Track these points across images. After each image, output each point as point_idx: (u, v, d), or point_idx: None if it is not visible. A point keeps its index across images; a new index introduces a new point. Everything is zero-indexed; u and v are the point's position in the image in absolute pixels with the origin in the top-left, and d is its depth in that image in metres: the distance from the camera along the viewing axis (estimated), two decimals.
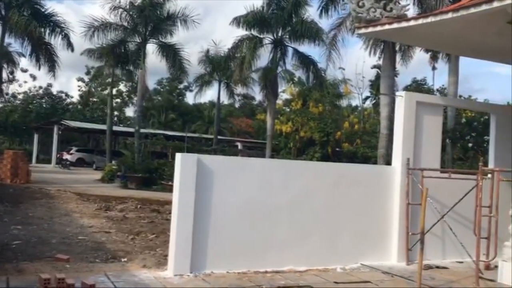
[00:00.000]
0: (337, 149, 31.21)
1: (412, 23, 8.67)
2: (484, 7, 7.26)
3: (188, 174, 7.36)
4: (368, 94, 43.11)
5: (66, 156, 42.56)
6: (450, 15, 7.90)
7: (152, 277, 7.05)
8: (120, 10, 29.78)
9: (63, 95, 59.15)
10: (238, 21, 27.99)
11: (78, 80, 59.43)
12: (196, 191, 7.36)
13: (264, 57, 29.51)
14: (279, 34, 28.64)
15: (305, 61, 28.96)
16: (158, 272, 7.36)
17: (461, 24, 8.34)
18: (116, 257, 8.50)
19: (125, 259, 8.33)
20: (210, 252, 7.49)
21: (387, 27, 8.97)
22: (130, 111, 60.89)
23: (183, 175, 7.36)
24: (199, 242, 7.41)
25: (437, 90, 31.59)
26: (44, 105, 55.56)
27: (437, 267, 8.75)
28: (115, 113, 55.37)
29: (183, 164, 7.40)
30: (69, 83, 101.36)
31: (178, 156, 7.51)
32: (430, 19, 8.27)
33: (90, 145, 55.01)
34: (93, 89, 57.73)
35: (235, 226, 7.71)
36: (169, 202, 11.45)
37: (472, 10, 7.47)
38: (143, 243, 10.10)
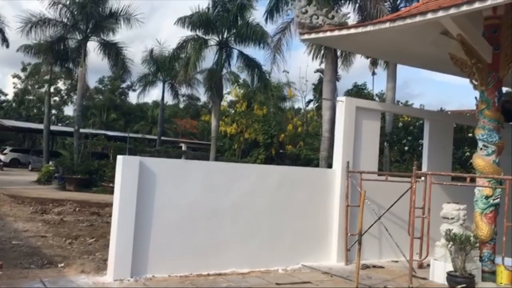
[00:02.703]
0: (281, 151, 31.71)
1: (352, 31, 8.98)
2: (419, 18, 7.65)
3: (130, 177, 7.23)
4: (311, 97, 43.94)
5: None
6: (388, 24, 8.25)
7: (90, 283, 6.87)
8: (60, 5, 28.73)
9: None
10: (183, 21, 27.73)
11: (14, 77, 56.80)
12: (138, 194, 7.25)
13: (209, 58, 29.48)
14: (225, 36, 28.65)
15: (250, 64, 29.13)
16: (97, 277, 7.18)
17: (398, 33, 8.75)
18: (53, 263, 8.20)
19: (62, 265, 8.04)
20: (151, 255, 7.39)
21: (328, 34, 9.23)
22: (69, 110, 58.87)
23: (124, 178, 7.22)
24: (140, 246, 7.30)
25: (376, 95, 32.68)
26: None
27: (374, 266, 9.09)
28: (53, 111, 53.28)
29: (125, 167, 7.26)
30: (4, 80, 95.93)
31: (120, 158, 7.36)
32: (369, 28, 8.60)
33: (26, 145, 52.70)
34: (29, 87, 55.28)
35: (178, 229, 7.65)
36: (109, 205, 11.19)
37: (408, 20, 7.85)
38: (81, 247, 9.80)
